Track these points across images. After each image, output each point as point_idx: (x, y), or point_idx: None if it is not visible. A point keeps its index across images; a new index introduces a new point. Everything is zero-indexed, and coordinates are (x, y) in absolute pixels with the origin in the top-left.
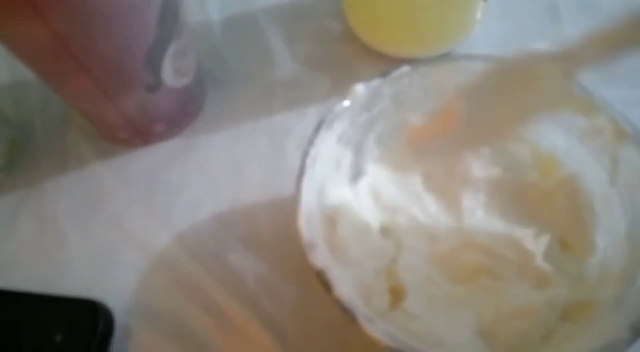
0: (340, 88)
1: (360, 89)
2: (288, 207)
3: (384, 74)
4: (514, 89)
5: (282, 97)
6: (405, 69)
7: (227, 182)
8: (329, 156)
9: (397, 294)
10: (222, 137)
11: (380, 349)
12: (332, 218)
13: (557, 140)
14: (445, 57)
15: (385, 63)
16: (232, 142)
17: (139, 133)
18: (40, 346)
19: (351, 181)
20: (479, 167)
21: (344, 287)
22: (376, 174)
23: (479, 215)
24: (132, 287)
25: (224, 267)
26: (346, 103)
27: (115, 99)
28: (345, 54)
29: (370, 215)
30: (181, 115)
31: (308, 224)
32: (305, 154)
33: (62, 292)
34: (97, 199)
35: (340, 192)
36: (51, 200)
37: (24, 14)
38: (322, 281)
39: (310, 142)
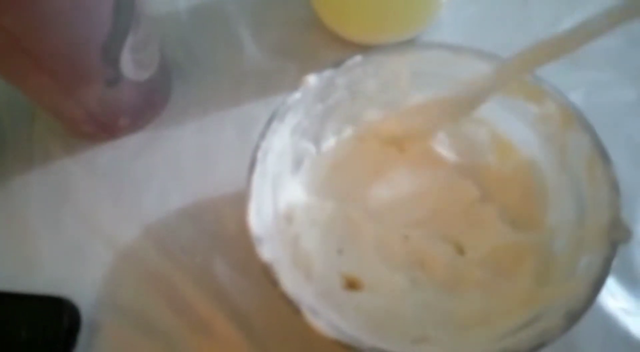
0: None
1: (312, 80)
2: None
3: (335, 65)
4: None
5: (250, 87)
6: (357, 58)
7: (195, 174)
8: (282, 149)
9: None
10: (189, 129)
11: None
12: (288, 215)
13: (512, 126)
14: (398, 46)
15: (351, 50)
16: (199, 133)
17: (104, 127)
18: (5, 344)
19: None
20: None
21: (290, 280)
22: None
23: None
24: (99, 283)
25: (191, 260)
26: (297, 95)
27: (74, 94)
28: (312, 42)
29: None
30: (146, 108)
31: (258, 218)
32: (256, 148)
33: (30, 289)
34: (64, 193)
35: (296, 187)
36: (18, 195)
37: None
38: (268, 275)
39: (262, 135)
